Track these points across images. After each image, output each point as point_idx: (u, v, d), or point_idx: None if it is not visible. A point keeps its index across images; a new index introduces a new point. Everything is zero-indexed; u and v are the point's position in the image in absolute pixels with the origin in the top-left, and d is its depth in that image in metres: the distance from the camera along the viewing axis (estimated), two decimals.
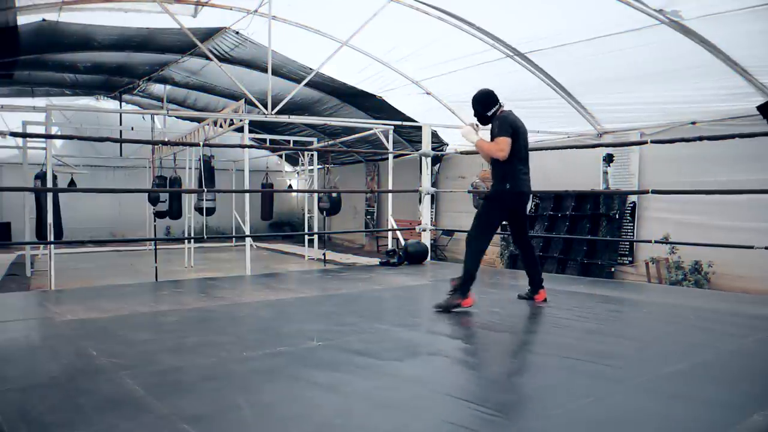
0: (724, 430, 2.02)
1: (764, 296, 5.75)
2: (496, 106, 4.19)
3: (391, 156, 8.90)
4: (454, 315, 4.11)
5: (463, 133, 4.31)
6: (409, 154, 10.31)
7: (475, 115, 4.27)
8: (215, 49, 9.61)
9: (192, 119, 13.78)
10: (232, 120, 8.98)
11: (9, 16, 7.02)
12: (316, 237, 13.84)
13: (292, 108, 9.63)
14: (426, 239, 7.43)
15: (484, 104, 4.20)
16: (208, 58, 8.59)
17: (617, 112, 8.36)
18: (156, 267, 8.48)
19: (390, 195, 9.19)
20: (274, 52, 7.89)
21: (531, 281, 4.43)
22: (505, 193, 4.15)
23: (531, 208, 10.15)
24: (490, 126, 4.22)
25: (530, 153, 4.32)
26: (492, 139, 4.14)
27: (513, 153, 4.07)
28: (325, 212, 13.17)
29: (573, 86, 8.33)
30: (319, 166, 14.43)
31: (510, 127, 4.06)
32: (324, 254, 10.99)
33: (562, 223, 9.48)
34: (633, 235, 8.51)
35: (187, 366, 2.68)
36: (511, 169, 4.13)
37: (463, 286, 4.01)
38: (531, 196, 4.49)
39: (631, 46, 6.90)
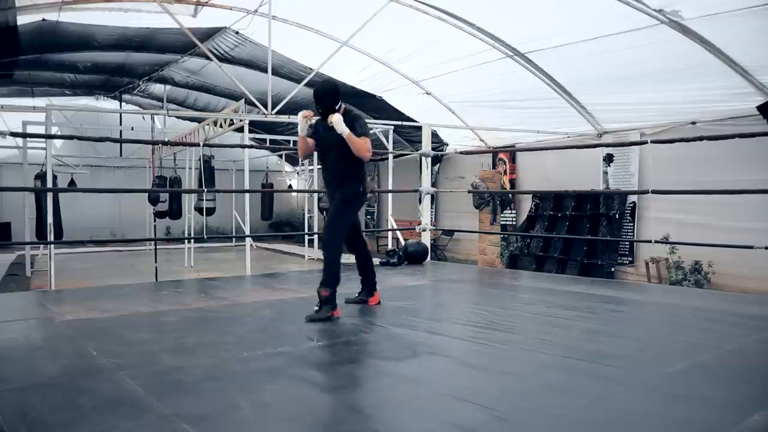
0: (724, 430, 2.02)
1: (764, 296, 5.75)
2: (339, 102, 4.01)
3: (391, 156, 8.91)
4: (454, 315, 4.11)
5: (334, 120, 3.88)
6: (409, 154, 10.32)
7: (320, 108, 3.98)
8: (215, 49, 9.60)
9: (192, 119, 13.78)
10: (232, 120, 8.98)
11: (9, 16, 7.02)
12: (316, 237, 13.82)
13: (292, 108, 9.62)
14: (426, 239, 7.43)
15: (335, 98, 3.98)
16: (208, 58, 8.59)
17: (617, 112, 8.36)
18: (156, 267, 8.48)
19: (390, 195, 9.20)
20: (274, 52, 7.89)
21: (364, 282, 4.28)
22: (360, 194, 4.11)
23: (531, 207, 10.17)
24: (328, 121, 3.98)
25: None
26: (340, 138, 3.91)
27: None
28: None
29: (573, 86, 8.33)
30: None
31: (368, 129, 4.00)
32: None
33: (562, 223, 9.48)
34: (633, 235, 8.51)
35: (187, 366, 2.68)
36: (362, 169, 4.11)
37: (333, 296, 3.78)
38: None
39: (631, 46, 6.90)
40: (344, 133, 3.88)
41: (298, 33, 8.82)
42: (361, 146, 3.91)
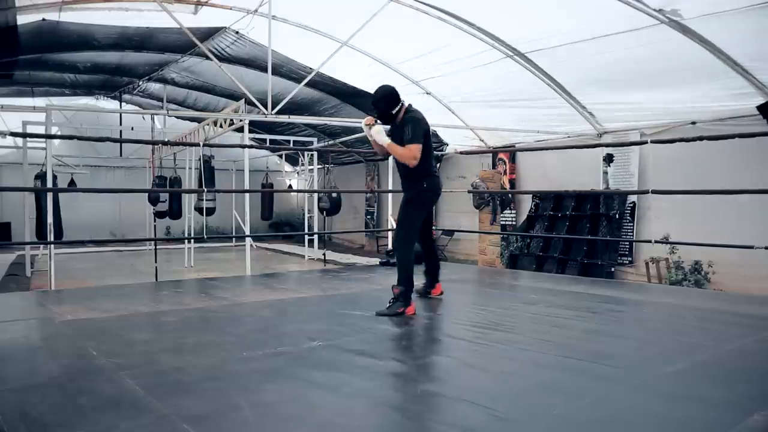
0: (724, 430, 2.02)
1: (764, 296, 5.75)
2: (400, 104, 4.10)
3: (391, 156, 8.90)
4: (454, 315, 4.11)
5: (373, 132, 4.09)
6: None
7: (378, 113, 4.14)
8: (215, 48, 9.60)
9: (192, 119, 13.80)
10: (232, 120, 8.98)
11: (9, 16, 7.01)
12: (316, 237, 13.84)
13: (292, 108, 9.63)
14: None
15: (390, 102, 4.07)
16: (208, 58, 8.59)
17: (617, 112, 8.36)
18: (156, 267, 8.48)
19: (390, 195, 9.19)
20: (274, 51, 7.89)
21: (430, 277, 4.51)
22: (425, 192, 4.17)
23: (531, 207, 10.16)
24: (390, 125, 4.17)
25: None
26: (401, 141, 4.01)
27: (426, 152, 4.06)
28: (325, 212, 13.17)
29: (573, 86, 8.33)
30: (319, 166, 14.44)
31: (422, 132, 4.01)
32: (324, 254, 10.99)
33: (562, 223, 9.48)
34: (633, 235, 8.50)
35: (187, 366, 2.68)
36: (426, 168, 4.12)
37: (405, 294, 3.94)
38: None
39: (631, 46, 6.89)
40: (384, 144, 4.04)
41: (298, 33, 8.82)
42: (402, 155, 3.99)
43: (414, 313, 3.92)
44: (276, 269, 9.94)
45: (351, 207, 15.97)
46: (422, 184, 4.14)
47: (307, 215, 13.94)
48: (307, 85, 8.88)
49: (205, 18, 8.20)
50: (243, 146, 9.20)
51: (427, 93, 9.88)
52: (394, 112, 4.08)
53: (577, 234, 9.14)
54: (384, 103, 4.09)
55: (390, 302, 3.94)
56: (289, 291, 5.19)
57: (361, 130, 11.29)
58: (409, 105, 4.17)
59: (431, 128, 4.31)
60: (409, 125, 4.00)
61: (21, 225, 11.38)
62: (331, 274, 6.73)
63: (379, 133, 4.06)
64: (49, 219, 7.15)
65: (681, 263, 7.76)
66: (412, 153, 3.96)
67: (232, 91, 11.71)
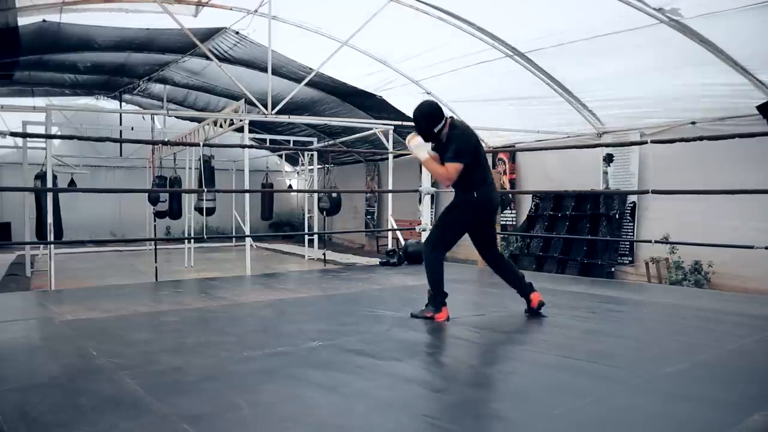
0: (724, 430, 2.02)
1: (764, 296, 5.75)
2: (443, 122, 3.78)
3: (391, 156, 8.90)
4: (454, 315, 4.11)
5: (411, 147, 3.84)
6: (409, 154, 10.30)
7: (418, 131, 3.85)
8: (215, 49, 9.61)
9: (192, 119, 13.80)
10: (232, 120, 8.98)
11: (9, 17, 7.01)
12: (316, 237, 13.84)
13: (292, 108, 9.63)
14: None
15: (431, 121, 3.77)
16: (208, 58, 8.60)
17: (617, 111, 8.36)
18: (156, 267, 8.48)
19: (390, 195, 9.20)
20: (274, 52, 7.89)
21: (521, 293, 4.03)
22: (472, 201, 3.84)
23: (531, 207, 10.16)
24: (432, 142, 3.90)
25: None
26: (441, 158, 3.78)
27: (477, 162, 3.81)
28: (325, 212, 13.17)
29: (573, 86, 8.33)
30: (319, 166, 14.44)
31: (467, 151, 3.73)
32: (324, 254, 10.98)
33: (562, 223, 9.48)
34: (633, 235, 8.50)
35: (187, 366, 2.68)
36: (476, 176, 3.81)
37: (435, 300, 3.78)
38: (499, 205, 4.06)
39: (631, 46, 6.90)
40: (422, 159, 3.87)
41: (298, 33, 8.82)
42: (438, 173, 3.79)
43: (446, 320, 3.71)
44: (276, 269, 9.93)
45: (351, 207, 15.97)
46: (472, 194, 3.81)
47: (307, 215, 13.93)
48: (307, 85, 8.88)
49: (206, 18, 8.20)
50: (243, 146, 9.20)
51: (427, 93, 9.88)
52: (436, 130, 3.77)
53: (577, 234, 9.14)
54: (424, 122, 3.79)
55: (425, 305, 3.84)
56: (289, 291, 5.19)
57: (361, 129, 11.35)
58: (452, 119, 3.87)
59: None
60: (453, 144, 3.74)
61: (21, 225, 11.37)
62: (331, 274, 6.73)
63: (417, 148, 3.83)
64: (49, 219, 7.14)
65: (681, 263, 7.75)
66: (447, 173, 3.70)
67: (232, 91, 11.71)
